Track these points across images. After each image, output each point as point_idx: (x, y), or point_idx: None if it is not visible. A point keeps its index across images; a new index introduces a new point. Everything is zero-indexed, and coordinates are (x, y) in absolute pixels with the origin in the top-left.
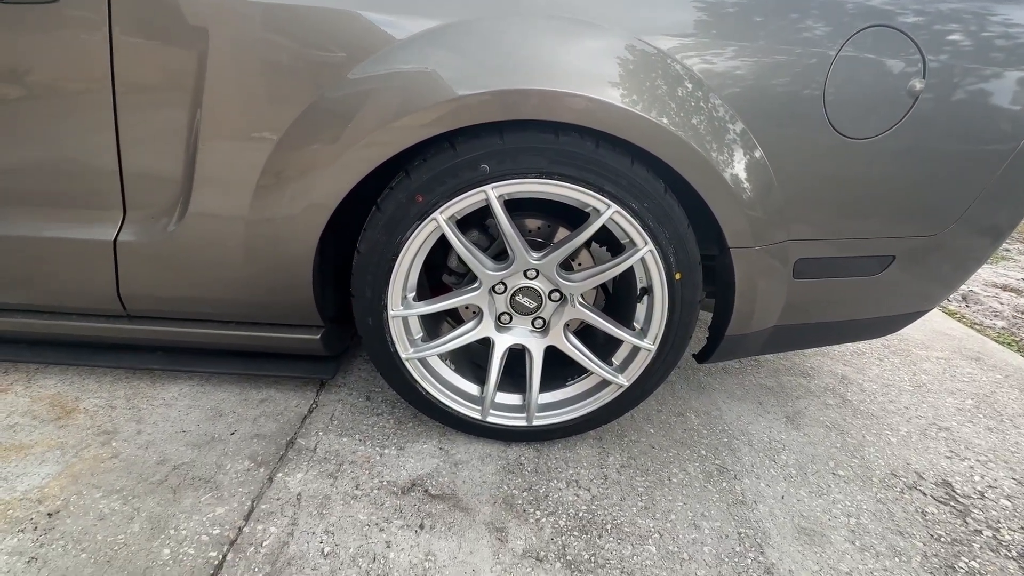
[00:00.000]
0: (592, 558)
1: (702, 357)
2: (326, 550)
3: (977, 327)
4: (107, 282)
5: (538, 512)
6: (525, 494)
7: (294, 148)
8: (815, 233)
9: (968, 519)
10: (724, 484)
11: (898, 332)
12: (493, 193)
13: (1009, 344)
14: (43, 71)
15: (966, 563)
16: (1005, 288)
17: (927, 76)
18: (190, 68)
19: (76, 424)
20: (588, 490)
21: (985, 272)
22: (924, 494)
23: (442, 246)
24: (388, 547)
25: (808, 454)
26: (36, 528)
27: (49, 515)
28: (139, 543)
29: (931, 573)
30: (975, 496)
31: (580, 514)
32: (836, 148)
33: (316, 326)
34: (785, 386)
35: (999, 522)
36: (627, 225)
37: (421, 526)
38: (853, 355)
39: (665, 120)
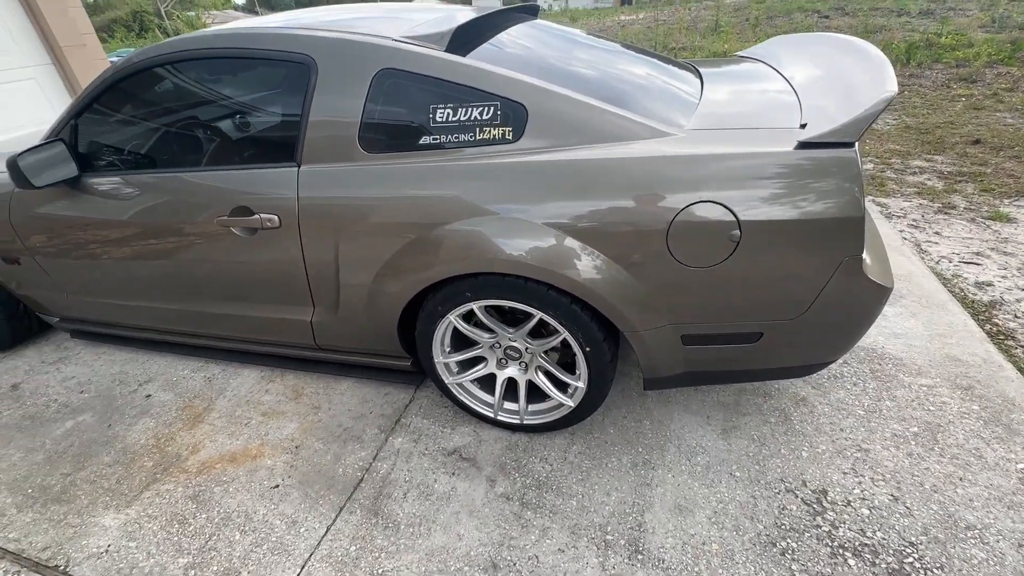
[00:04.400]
0: (537, 501)
1: (644, 388)
2: (406, 478)
3: (1020, 348)
4: (309, 336)
5: (516, 473)
6: (513, 462)
7: (384, 281)
8: (689, 319)
9: (819, 518)
10: (642, 472)
11: (898, 354)
12: (476, 306)
13: None
14: (276, 259)
15: (787, 543)
16: None
17: (741, 229)
18: (331, 256)
19: (302, 402)
20: (551, 465)
21: None
22: (796, 496)
23: (467, 320)
24: (435, 481)
25: (720, 459)
26: (291, 453)
27: (296, 447)
28: (330, 465)
29: (753, 544)
30: (841, 504)
31: (540, 477)
32: (685, 273)
33: (407, 356)
34: (741, 404)
35: (843, 523)
36: (550, 321)
37: (453, 473)
38: (828, 379)
39: (566, 271)
